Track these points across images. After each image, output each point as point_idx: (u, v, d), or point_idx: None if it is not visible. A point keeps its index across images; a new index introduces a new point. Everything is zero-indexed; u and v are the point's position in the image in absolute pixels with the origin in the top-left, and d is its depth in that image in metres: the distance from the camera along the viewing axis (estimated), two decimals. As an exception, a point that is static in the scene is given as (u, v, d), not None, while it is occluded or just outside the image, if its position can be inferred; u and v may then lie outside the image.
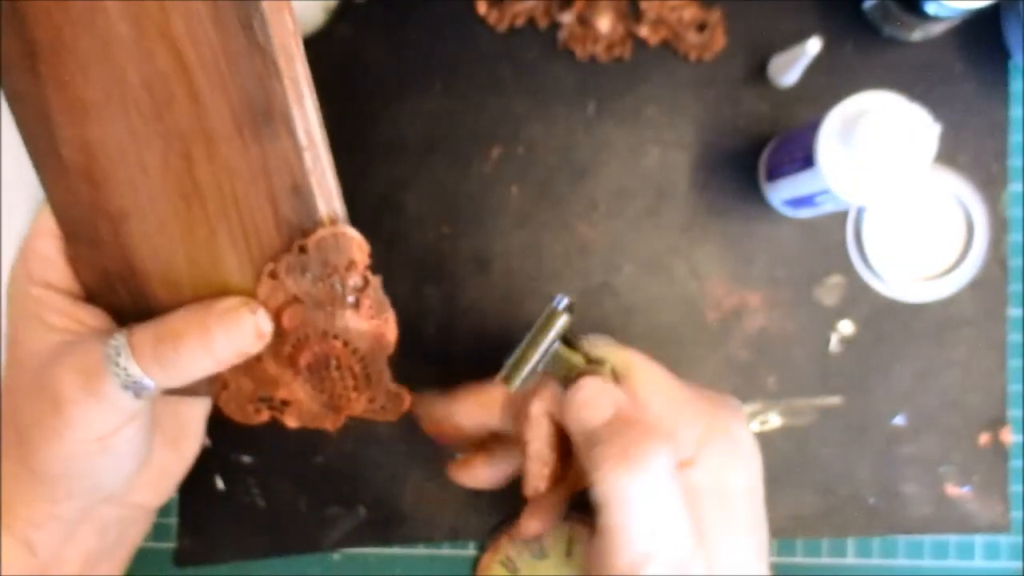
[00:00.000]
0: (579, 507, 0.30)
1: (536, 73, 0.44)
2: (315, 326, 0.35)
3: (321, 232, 0.33)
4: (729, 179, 0.44)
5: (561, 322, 0.33)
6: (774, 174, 0.41)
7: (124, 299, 0.36)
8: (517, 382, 0.33)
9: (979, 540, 0.44)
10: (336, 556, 0.45)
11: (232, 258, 0.34)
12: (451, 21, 0.44)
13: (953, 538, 0.44)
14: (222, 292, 0.34)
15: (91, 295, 0.36)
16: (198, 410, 0.39)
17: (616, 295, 0.44)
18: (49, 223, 0.35)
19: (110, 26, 0.31)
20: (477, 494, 0.44)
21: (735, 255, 0.44)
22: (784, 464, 0.44)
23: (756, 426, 0.44)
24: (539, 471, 0.34)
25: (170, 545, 0.44)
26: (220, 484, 0.44)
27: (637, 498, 0.29)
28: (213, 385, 0.37)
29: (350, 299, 0.34)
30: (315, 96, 0.33)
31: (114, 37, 0.31)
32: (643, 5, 0.43)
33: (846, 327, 0.44)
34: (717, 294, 0.44)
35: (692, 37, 0.43)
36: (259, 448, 0.42)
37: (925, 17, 0.40)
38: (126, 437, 0.34)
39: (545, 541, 0.44)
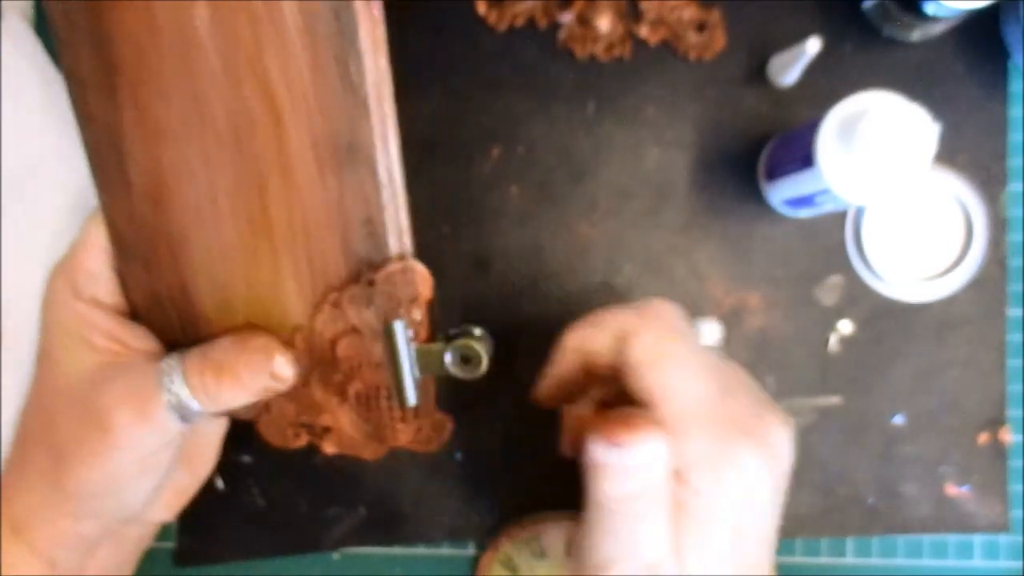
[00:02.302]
0: (581, 507, 0.30)
1: (536, 73, 0.44)
2: (369, 357, 0.35)
3: (390, 267, 0.33)
4: (729, 179, 0.44)
5: (399, 329, 0.33)
6: (774, 174, 0.41)
7: (172, 318, 0.35)
8: (411, 399, 0.35)
9: (978, 540, 0.44)
10: (336, 556, 0.45)
11: (292, 284, 0.34)
12: (451, 21, 0.44)
13: (952, 538, 0.45)
14: (278, 317, 0.34)
15: (137, 312, 0.36)
16: (215, 433, 0.39)
17: (616, 295, 0.44)
18: (100, 238, 0.34)
19: (202, 57, 0.31)
20: (477, 494, 0.44)
21: (735, 255, 0.44)
22: (784, 464, 0.44)
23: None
24: (546, 385, 0.35)
25: (170, 545, 0.44)
26: (220, 484, 0.44)
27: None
28: (254, 408, 0.37)
29: (409, 332, 0.34)
30: (398, 134, 0.32)
31: (203, 67, 0.31)
32: (643, 5, 0.43)
33: (846, 327, 0.44)
34: (717, 294, 0.44)
35: (692, 37, 0.43)
36: (259, 448, 0.42)
37: (925, 17, 0.40)
38: (162, 458, 0.35)
39: (545, 541, 0.44)
